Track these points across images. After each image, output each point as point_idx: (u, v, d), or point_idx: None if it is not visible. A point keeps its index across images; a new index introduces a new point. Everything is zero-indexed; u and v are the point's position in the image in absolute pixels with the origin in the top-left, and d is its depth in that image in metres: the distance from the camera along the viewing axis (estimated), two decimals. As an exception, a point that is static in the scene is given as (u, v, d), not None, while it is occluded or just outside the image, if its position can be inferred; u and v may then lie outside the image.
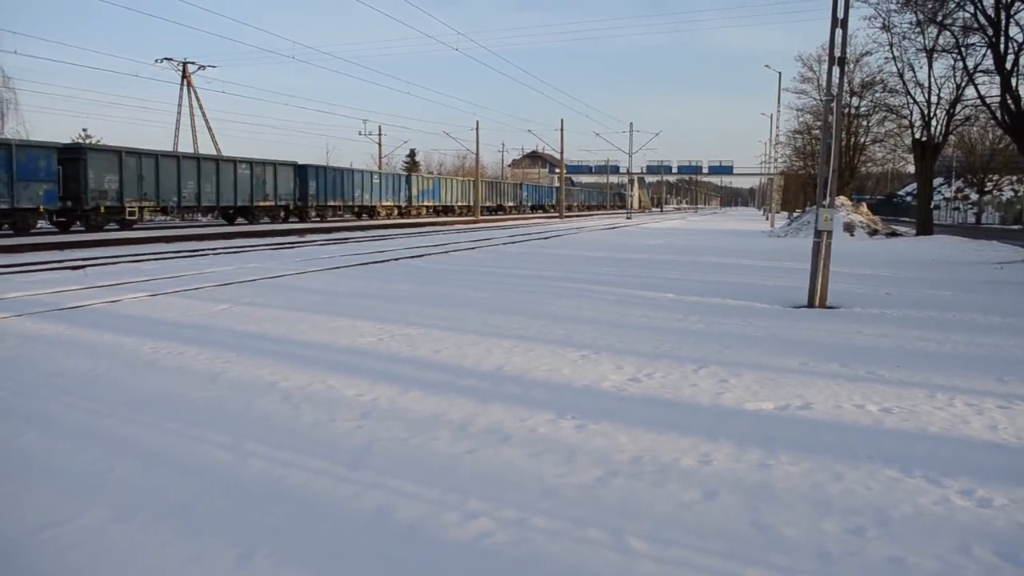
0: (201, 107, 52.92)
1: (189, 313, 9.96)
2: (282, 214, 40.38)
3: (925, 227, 33.10)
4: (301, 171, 41.79)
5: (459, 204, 64.15)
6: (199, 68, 52.36)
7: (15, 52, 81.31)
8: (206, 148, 51.09)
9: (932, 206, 37.12)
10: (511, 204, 76.67)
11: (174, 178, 32.90)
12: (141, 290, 12.06)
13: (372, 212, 50.02)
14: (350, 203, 47.21)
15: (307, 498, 3.96)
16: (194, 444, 4.79)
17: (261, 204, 38.33)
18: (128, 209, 30.57)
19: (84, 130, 58.24)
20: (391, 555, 3.36)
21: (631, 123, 76.25)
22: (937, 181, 51.36)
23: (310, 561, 3.31)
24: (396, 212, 53.32)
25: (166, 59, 51.27)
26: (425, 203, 58.07)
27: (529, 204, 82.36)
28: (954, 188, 66.43)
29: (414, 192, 55.81)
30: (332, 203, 45.15)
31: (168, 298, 11.38)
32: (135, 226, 30.87)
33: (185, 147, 50.40)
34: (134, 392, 6.02)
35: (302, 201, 41.88)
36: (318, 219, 43.70)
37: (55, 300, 10.81)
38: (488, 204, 69.51)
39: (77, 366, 6.87)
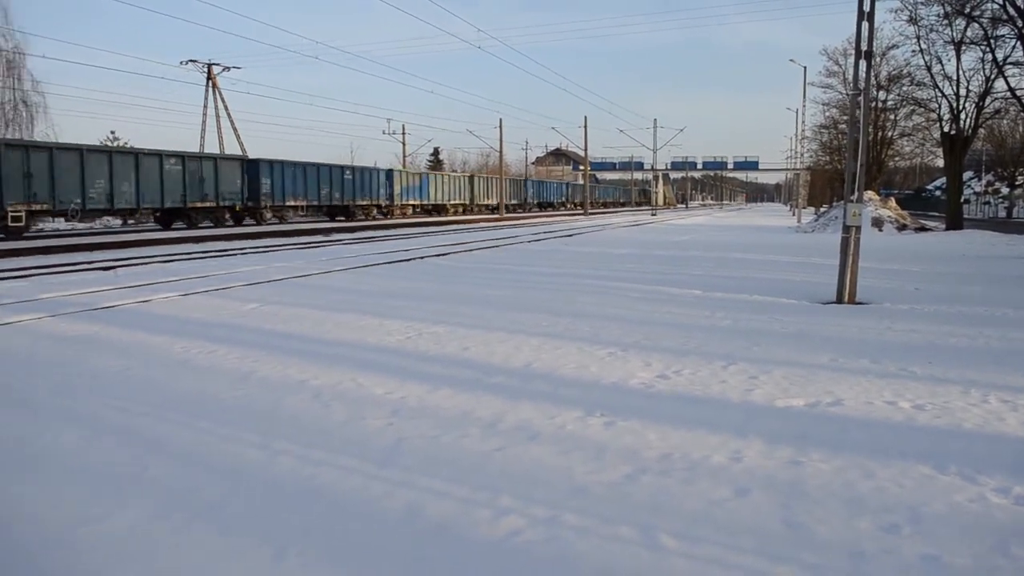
0: (226, 108, 53.25)
1: (219, 312, 10.05)
2: (228, 216, 35.54)
3: (955, 222, 32.73)
4: (251, 166, 36.79)
5: (452, 202, 58.81)
6: (224, 69, 52.64)
7: (43, 56, 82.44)
8: (232, 149, 51.42)
9: (962, 200, 36.66)
10: (515, 202, 71.22)
11: (76, 175, 27.45)
12: (171, 290, 12.19)
13: (346, 212, 45.20)
14: (315, 202, 42.02)
15: (338, 496, 3.99)
16: (226, 443, 4.84)
17: (198, 205, 33.13)
18: (11, 214, 25.23)
19: (112, 132, 58.83)
20: (422, 553, 3.38)
21: (655, 119, 75.66)
22: (967, 175, 50.74)
23: (342, 559, 3.33)
24: (375, 212, 48.21)
25: (191, 61, 51.66)
26: (410, 201, 52.47)
27: (536, 201, 77.77)
28: (984, 182, 65.48)
29: (396, 189, 50.17)
30: (293, 203, 39.82)
31: (198, 298, 11.49)
32: (25, 235, 25.73)
33: (211, 148, 50.76)
34: (166, 391, 6.08)
35: (253, 201, 36.52)
36: (276, 221, 38.95)
37: (87, 300, 10.95)
38: (487, 202, 64.67)
39: (110, 366, 6.96)
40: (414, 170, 57.46)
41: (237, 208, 35.72)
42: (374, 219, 46.15)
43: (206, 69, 52.14)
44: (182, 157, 32.43)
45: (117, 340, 8.16)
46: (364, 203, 46.64)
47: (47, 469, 4.41)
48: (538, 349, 7.69)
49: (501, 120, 63.74)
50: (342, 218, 44.82)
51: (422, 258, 19.11)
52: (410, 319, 9.44)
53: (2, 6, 42.84)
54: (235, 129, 53.16)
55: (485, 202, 64.23)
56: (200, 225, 33.17)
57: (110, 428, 5.14)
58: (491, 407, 5.60)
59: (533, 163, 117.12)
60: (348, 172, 45.09)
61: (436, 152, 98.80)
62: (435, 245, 24.22)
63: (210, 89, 52.55)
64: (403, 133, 74.52)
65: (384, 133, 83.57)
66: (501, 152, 64.80)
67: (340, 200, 44.02)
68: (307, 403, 5.74)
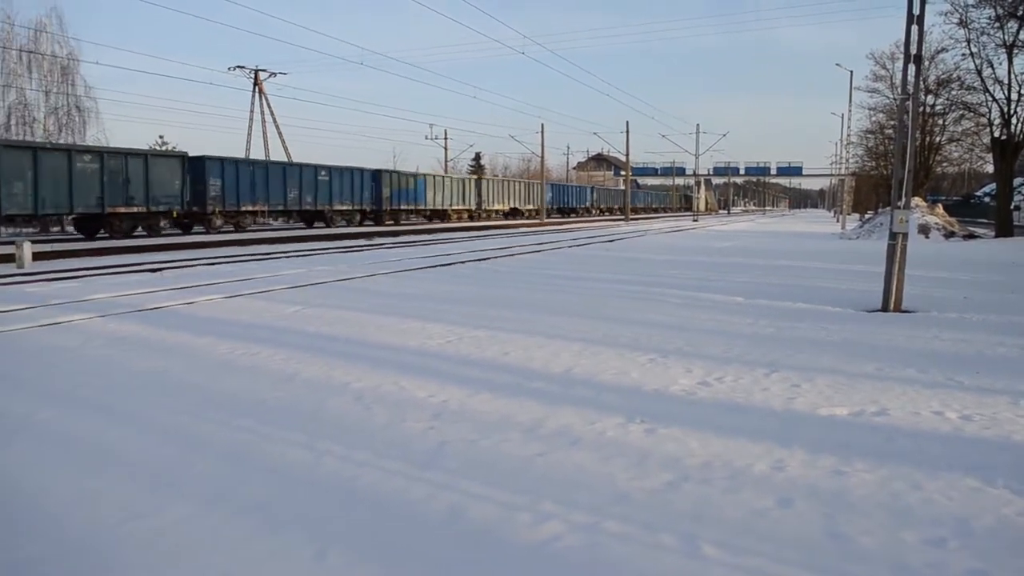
0: (272, 114, 53.89)
1: (262, 315, 10.19)
2: (164, 223, 30.62)
3: (1005, 229, 32.01)
4: (195, 165, 31.67)
5: (455, 207, 53.24)
6: (270, 75, 53.33)
7: (96, 63, 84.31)
8: (277, 154, 52.08)
9: (1012, 207, 35.87)
10: (529, 207, 64.44)
11: None
12: (216, 292, 12.39)
13: (323, 218, 40.26)
14: (280, 207, 36.63)
15: (380, 498, 4.03)
16: (270, 443, 4.91)
17: (122, 210, 27.94)
18: None
19: (160, 137, 59.98)
20: (463, 555, 3.40)
21: (697, 124, 75.19)
22: (1017, 181, 49.53)
23: (384, 560, 3.37)
24: (359, 218, 43.04)
25: (238, 67, 52.34)
26: (403, 206, 47.02)
27: (555, 207, 70.93)
28: (1036, 188, 64.02)
29: (385, 192, 44.61)
30: (250, 207, 34.49)
31: (242, 300, 11.66)
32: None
33: (257, 153, 51.47)
34: (211, 392, 6.19)
35: (198, 205, 31.66)
36: (231, 228, 33.98)
37: (135, 302, 11.18)
38: (498, 207, 59.15)
39: (156, 366, 7.09)
40: (410, 173, 50.48)
41: (175, 214, 30.68)
42: (356, 226, 41.29)
43: (253, 75, 52.86)
44: (100, 153, 27.80)
45: (163, 341, 8.32)
46: (344, 208, 41.26)
47: (94, 465, 4.51)
48: (578, 354, 7.69)
49: (543, 125, 63.47)
50: (321, 224, 40.12)
51: (463, 262, 19.19)
52: (451, 323, 9.49)
53: (57, 14, 43.92)
54: (280, 134, 53.85)
55: (496, 207, 59.04)
56: (133, 234, 28.84)
57: (156, 427, 5.25)
58: (531, 412, 5.61)
59: (575, 168, 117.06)
60: (323, 172, 39.82)
61: (478, 157, 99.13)
62: (477, 249, 24.30)
63: (256, 95, 53.28)
64: (445, 138, 74.93)
65: (427, 138, 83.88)
66: (543, 157, 64.88)
67: (313, 204, 38.86)
68: (350, 405, 5.80)
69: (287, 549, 3.46)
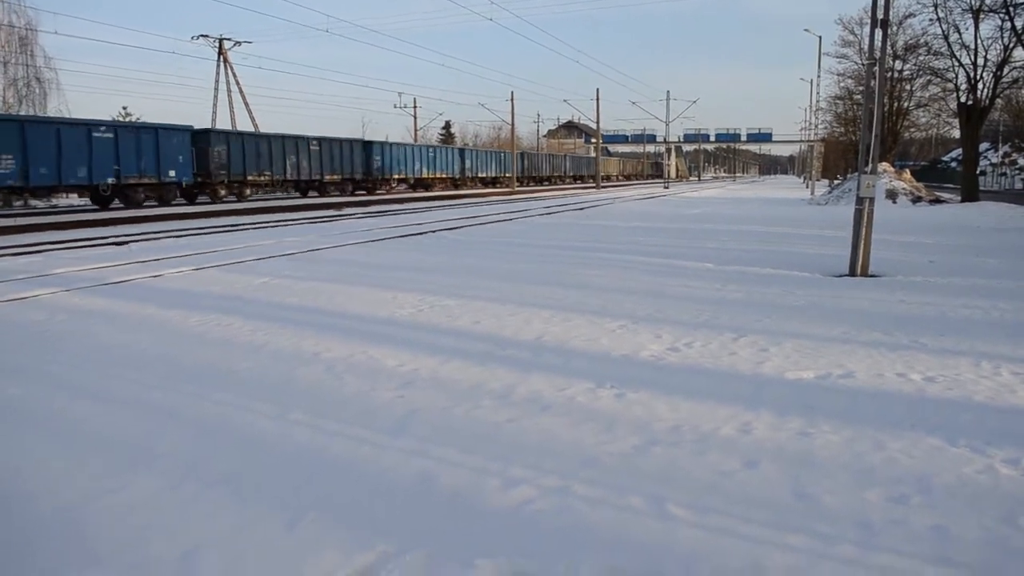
0: (238, 83, 52.99)
1: (232, 286, 10.11)
2: None
3: (970, 193, 32.43)
4: None
5: (331, 176, 41.19)
6: (235, 44, 52.40)
7: (55, 32, 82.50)
8: (244, 123, 51.14)
9: (978, 172, 36.28)
10: (444, 175, 54.22)
11: None
12: (184, 265, 12.26)
13: (124, 195, 28.49)
14: (10, 181, 24.24)
15: (352, 466, 4.03)
16: (241, 414, 4.89)
17: None
18: None
19: (124, 107, 58.79)
20: (434, 522, 3.42)
21: (668, 91, 74.98)
22: (983, 146, 50.10)
23: (355, 527, 3.38)
24: (173, 194, 30.89)
25: (202, 36, 51.39)
26: (232, 176, 33.87)
27: (477, 175, 60.68)
28: (1001, 153, 64.77)
29: (216, 159, 32.68)
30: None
31: (210, 272, 11.55)
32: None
33: (223, 123, 50.65)
34: (180, 364, 6.14)
35: None
36: None
37: (100, 275, 11.03)
38: (398, 175, 48.07)
39: (124, 340, 7.02)
40: (256, 131, 36.01)
41: None
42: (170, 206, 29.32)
43: (217, 44, 51.95)
44: None
45: (131, 314, 8.23)
46: (145, 181, 28.74)
47: (64, 441, 4.47)
48: (549, 322, 7.71)
49: (513, 93, 62.91)
50: (120, 204, 28.49)
51: (434, 232, 19.12)
52: (422, 292, 9.47)
53: (13, -19, 42.64)
54: (246, 104, 53.00)
55: (396, 176, 47.05)
56: None
57: (125, 401, 5.21)
58: (502, 379, 5.63)
59: (545, 136, 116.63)
60: (104, 130, 27.32)
61: (448, 125, 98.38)
62: (448, 219, 24.20)
63: (221, 64, 52.40)
64: (414, 107, 74.33)
65: (395, 107, 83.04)
66: (513, 125, 64.43)
67: (88, 177, 26.64)
68: (320, 375, 5.79)
69: (258, 519, 3.45)
